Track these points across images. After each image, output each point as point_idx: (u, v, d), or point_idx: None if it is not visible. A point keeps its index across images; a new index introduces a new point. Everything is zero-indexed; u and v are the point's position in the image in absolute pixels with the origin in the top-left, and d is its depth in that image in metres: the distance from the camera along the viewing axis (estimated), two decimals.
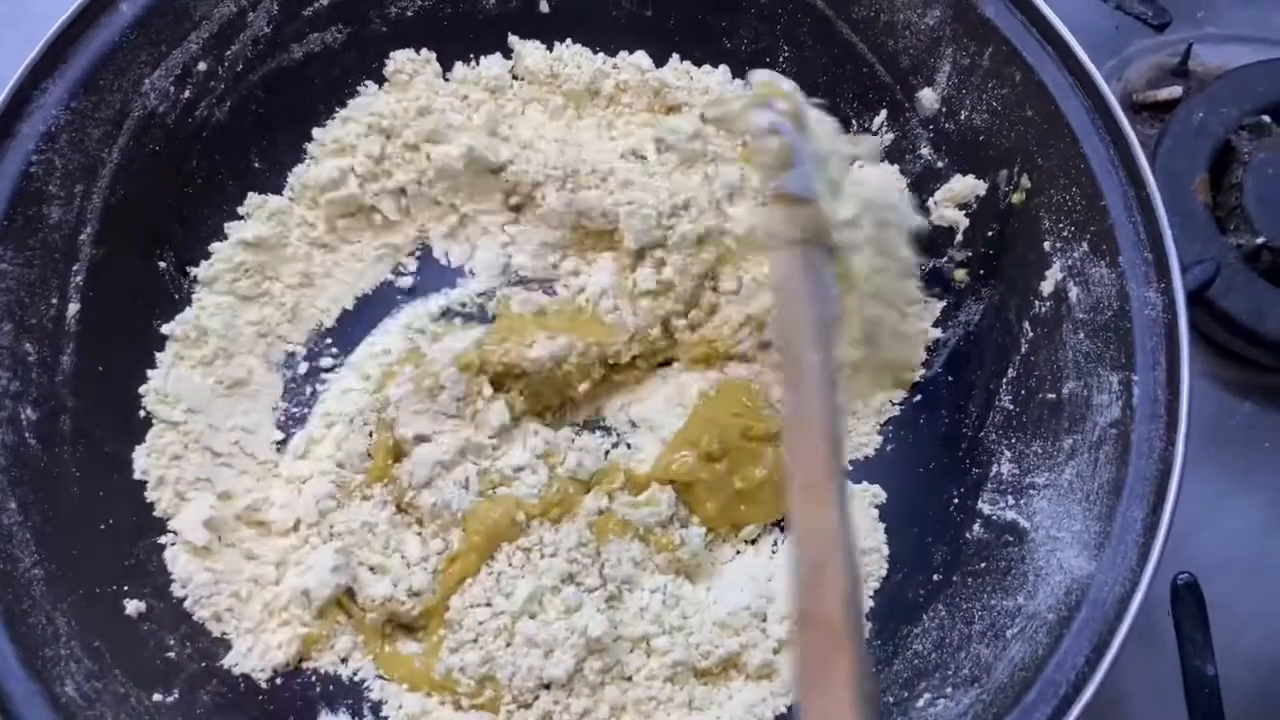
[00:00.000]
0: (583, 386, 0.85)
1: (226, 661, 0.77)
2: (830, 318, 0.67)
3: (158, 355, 0.84)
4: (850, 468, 0.85)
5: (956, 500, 0.81)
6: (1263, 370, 0.92)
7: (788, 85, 0.72)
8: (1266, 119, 0.94)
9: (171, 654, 0.76)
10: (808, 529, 0.59)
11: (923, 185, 0.88)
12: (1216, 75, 0.97)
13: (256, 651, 0.78)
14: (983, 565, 0.76)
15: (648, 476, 0.83)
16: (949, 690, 0.71)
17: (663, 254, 0.86)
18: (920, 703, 0.72)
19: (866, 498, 0.85)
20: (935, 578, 0.79)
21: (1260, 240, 0.90)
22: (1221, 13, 1.04)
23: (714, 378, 0.87)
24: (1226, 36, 1.02)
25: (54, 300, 0.79)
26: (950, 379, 0.86)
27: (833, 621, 0.55)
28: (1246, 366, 0.92)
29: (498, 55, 0.94)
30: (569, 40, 0.94)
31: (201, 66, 0.85)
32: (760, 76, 0.73)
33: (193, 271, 0.87)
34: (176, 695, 0.73)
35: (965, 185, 0.85)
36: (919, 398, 0.87)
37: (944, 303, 0.88)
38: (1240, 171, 0.92)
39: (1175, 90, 0.98)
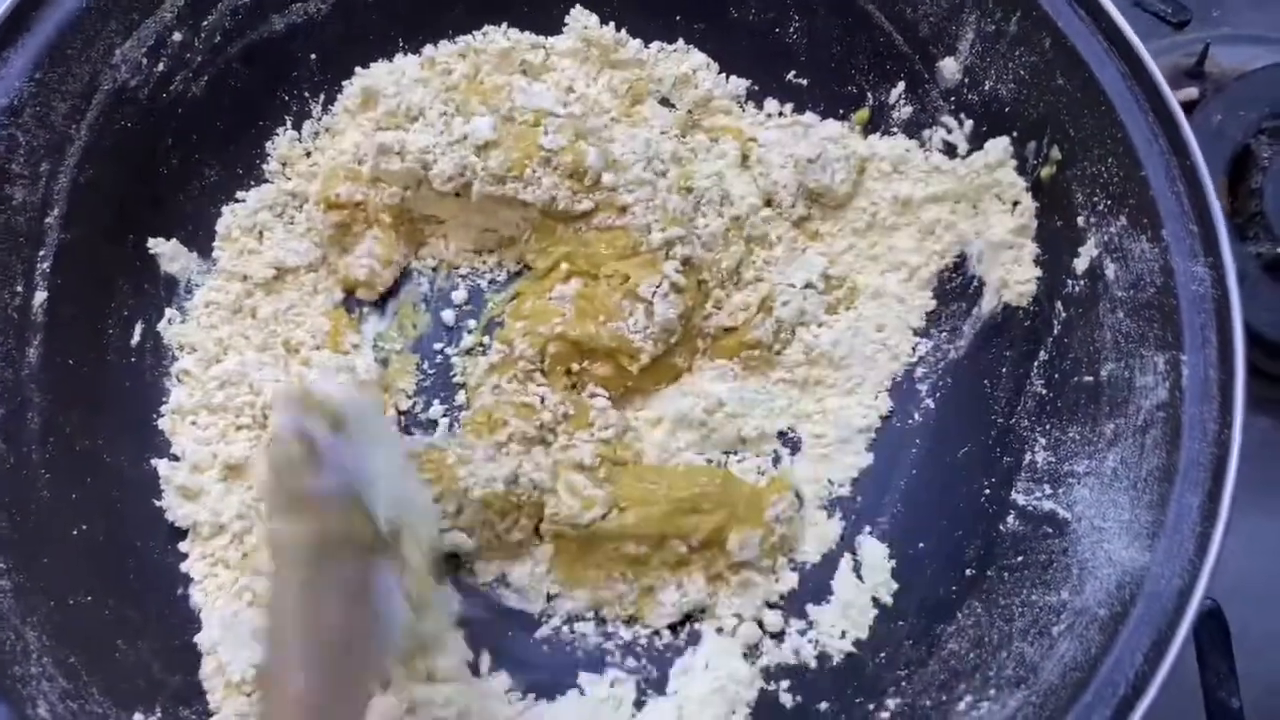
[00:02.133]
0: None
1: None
2: (338, 635, 0.58)
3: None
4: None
5: (988, 491, 0.77)
6: None
7: (316, 385, 0.62)
8: None
9: (153, 669, 0.70)
10: None
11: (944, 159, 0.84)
12: (1234, 77, 0.94)
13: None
14: (1020, 559, 0.72)
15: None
16: (992, 692, 0.67)
17: (687, 250, 0.81)
18: (961, 705, 0.68)
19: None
20: (968, 573, 0.75)
21: None
22: (1238, 13, 1.00)
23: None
24: (1243, 37, 0.98)
25: (19, 288, 0.74)
26: (976, 364, 0.82)
27: None
28: (1266, 380, 0.88)
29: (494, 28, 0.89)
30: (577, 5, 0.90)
31: (176, 37, 0.80)
32: (291, 387, 0.66)
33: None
34: (159, 714, 0.69)
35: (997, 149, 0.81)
36: (944, 383, 0.83)
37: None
38: (1260, 177, 0.88)
39: (1192, 92, 0.94)
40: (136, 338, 0.80)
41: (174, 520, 0.76)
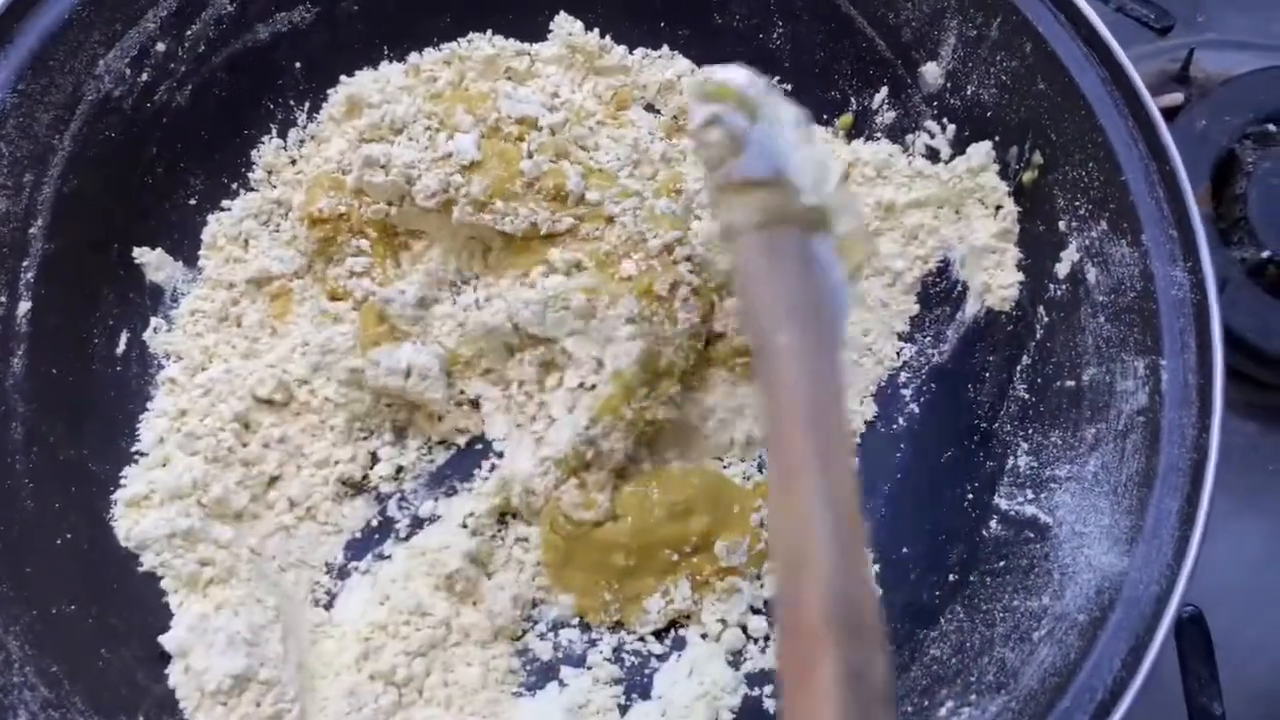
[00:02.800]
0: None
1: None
2: (805, 295, 0.61)
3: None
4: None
5: (971, 496, 0.77)
6: (1267, 389, 0.88)
7: (724, 74, 0.65)
8: (1271, 128, 0.90)
9: (137, 678, 0.70)
10: (782, 524, 0.54)
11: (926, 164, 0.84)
12: (1219, 82, 0.94)
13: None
14: (1002, 564, 0.72)
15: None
16: (973, 698, 0.67)
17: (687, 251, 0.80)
18: (942, 711, 0.68)
19: None
20: (951, 578, 0.75)
21: (1265, 254, 0.86)
22: (1223, 18, 1.00)
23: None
24: (1228, 43, 0.98)
25: (2, 298, 0.74)
26: (959, 369, 0.82)
27: (813, 626, 0.49)
28: (1250, 386, 0.88)
29: (479, 35, 0.89)
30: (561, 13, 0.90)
31: (160, 47, 0.80)
32: (695, 78, 0.67)
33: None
34: None
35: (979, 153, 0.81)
36: (927, 388, 0.83)
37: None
38: (1244, 182, 0.88)
39: (1177, 97, 0.94)
40: (122, 347, 0.80)
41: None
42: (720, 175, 0.63)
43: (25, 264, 0.75)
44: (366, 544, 0.80)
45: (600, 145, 0.84)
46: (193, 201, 0.84)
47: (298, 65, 0.87)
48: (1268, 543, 0.85)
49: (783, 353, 0.58)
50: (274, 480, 0.79)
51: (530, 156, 0.79)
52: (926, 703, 0.69)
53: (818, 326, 0.60)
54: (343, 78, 0.88)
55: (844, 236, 0.65)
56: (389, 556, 0.79)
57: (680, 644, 0.78)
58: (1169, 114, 0.77)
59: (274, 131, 0.87)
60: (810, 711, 0.47)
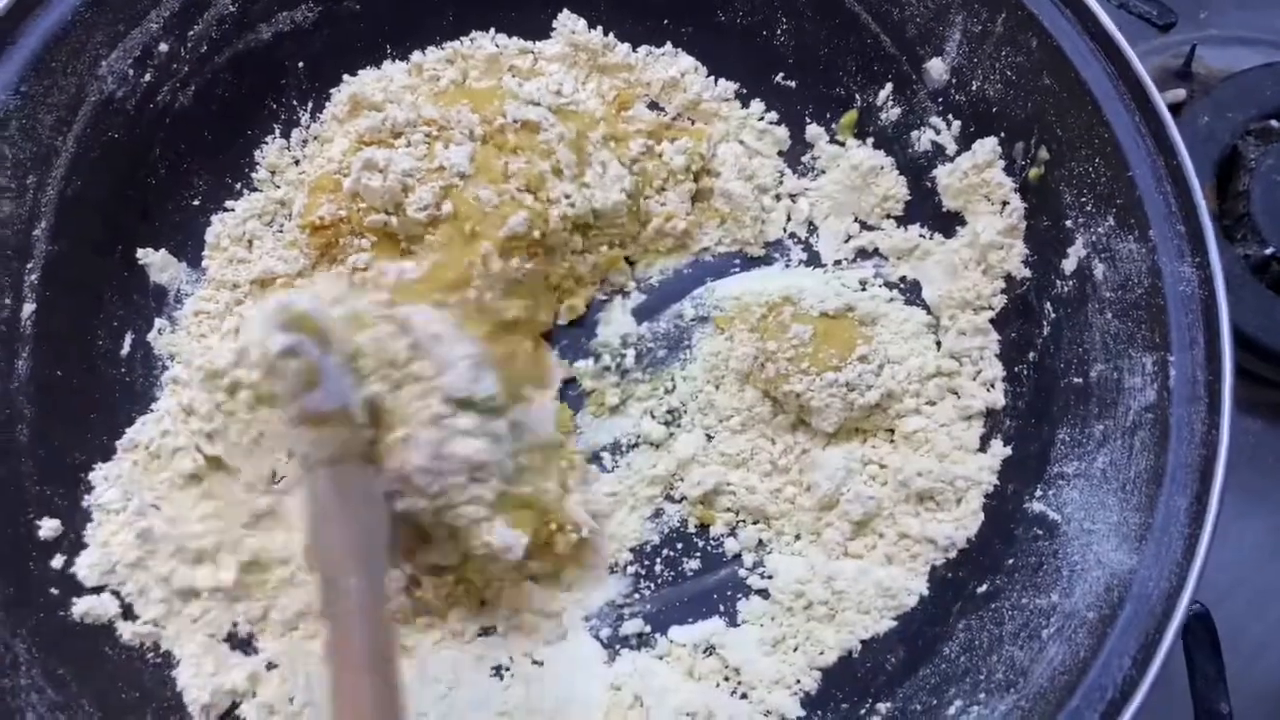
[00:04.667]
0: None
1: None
2: (373, 535, 0.64)
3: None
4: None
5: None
6: (1271, 386, 0.88)
7: (302, 303, 0.66)
8: (1274, 124, 0.89)
9: (144, 680, 0.70)
10: None
11: (932, 162, 0.84)
12: (1221, 78, 0.93)
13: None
14: (1010, 561, 0.72)
15: None
16: (982, 696, 0.67)
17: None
18: (951, 710, 0.68)
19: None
20: (960, 574, 0.75)
21: (1268, 251, 0.85)
22: (1225, 15, 1.00)
23: None
24: (1231, 39, 0.98)
25: (7, 301, 0.74)
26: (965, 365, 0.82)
27: None
28: (1254, 382, 0.87)
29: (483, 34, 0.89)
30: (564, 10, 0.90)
31: (163, 47, 0.80)
32: (269, 306, 0.66)
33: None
34: None
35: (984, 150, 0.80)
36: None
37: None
38: (1247, 179, 0.87)
39: (1179, 94, 0.94)
40: (126, 348, 0.80)
41: None
42: (295, 408, 0.64)
43: (29, 266, 0.75)
44: None
45: (584, 176, 0.83)
46: (196, 202, 0.84)
47: (300, 65, 0.87)
48: (1272, 540, 0.85)
49: (351, 595, 0.60)
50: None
51: (507, 179, 0.79)
52: (935, 701, 0.69)
53: (377, 567, 0.63)
54: (345, 77, 0.88)
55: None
56: None
57: None
58: (1172, 110, 0.77)
59: (277, 131, 0.87)
60: None
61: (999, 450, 0.77)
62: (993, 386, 0.79)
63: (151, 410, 0.79)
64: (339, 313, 0.68)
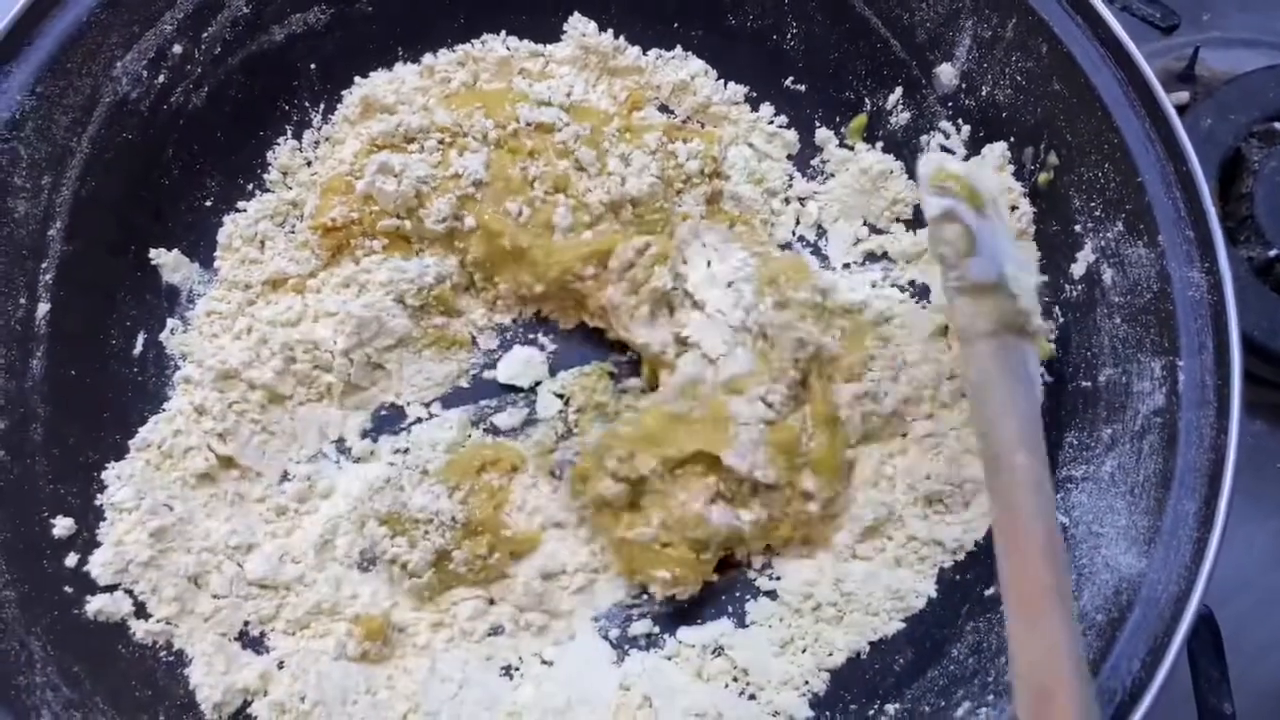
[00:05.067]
0: None
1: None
2: (1035, 412, 0.62)
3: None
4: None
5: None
6: (1275, 388, 0.88)
7: (957, 166, 0.65)
8: (1278, 126, 0.89)
9: (157, 677, 0.71)
10: (1030, 653, 0.55)
11: None
12: (1224, 81, 0.93)
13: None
14: None
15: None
16: (990, 698, 0.67)
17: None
18: (959, 712, 0.68)
19: None
20: (969, 577, 0.75)
21: (1272, 253, 0.86)
22: (1228, 17, 1.00)
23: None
24: (1233, 41, 0.98)
25: (22, 300, 0.75)
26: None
27: None
28: (1257, 385, 0.88)
29: (494, 36, 0.90)
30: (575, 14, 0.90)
31: (177, 49, 0.80)
32: (929, 163, 0.65)
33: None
34: None
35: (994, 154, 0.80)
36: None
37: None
38: (1250, 181, 0.88)
39: (1182, 96, 0.94)
40: (139, 348, 0.81)
41: None
42: (955, 277, 0.63)
43: (44, 266, 0.75)
44: None
45: (608, 167, 0.83)
46: (209, 203, 0.85)
47: (313, 66, 0.87)
48: (1275, 542, 0.85)
49: (1021, 476, 0.59)
50: None
51: (532, 185, 0.80)
52: (943, 703, 0.69)
53: (1044, 448, 0.61)
54: (357, 79, 0.88)
55: (1038, 335, 0.66)
56: None
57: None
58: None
59: (289, 133, 0.87)
60: None
61: None
62: None
63: (164, 410, 0.79)
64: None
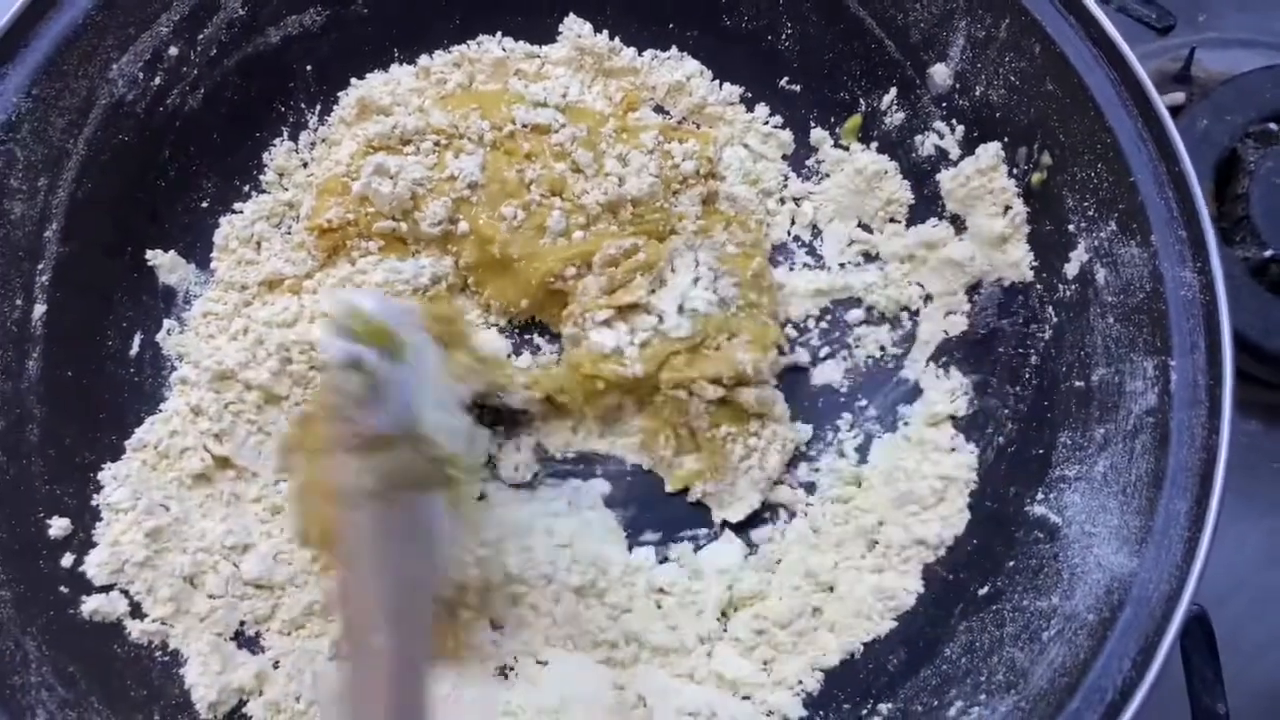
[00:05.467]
0: None
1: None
2: (419, 579, 0.58)
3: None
4: None
5: (980, 495, 0.77)
6: (1269, 388, 0.88)
7: (371, 306, 0.58)
8: (1273, 127, 0.89)
9: (152, 677, 0.71)
10: None
11: (936, 166, 0.84)
12: (1220, 81, 0.93)
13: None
14: (1012, 564, 0.72)
15: None
16: (982, 697, 0.67)
17: None
18: (952, 711, 0.68)
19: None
20: (961, 576, 0.75)
21: (1268, 253, 0.85)
22: (1224, 17, 0.99)
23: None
24: (1230, 41, 0.98)
25: (18, 301, 0.75)
26: (967, 369, 0.82)
27: None
28: (1252, 384, 0.88)
29: (489, 38, 0.90)
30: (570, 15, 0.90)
31: (173, 51, 0.80)
32: (340, 302, 0.59)
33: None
34: None
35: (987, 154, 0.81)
36: (933, 388, 0.83)
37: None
38: (1246, 181, 0.87)
39: (1178, 97, 0.94)
40: (135, 349, 0.81)
41: None
42: (345, 431, 0.56)
43: (40, 267, 0.76)
44: None
45: (604, 168, 0.84)
46: (205, 204, 0.85)
47: (308, 68, 0.87)
48: (1270, 541, 0.85)
49: (376, 658, 0.54)
50: None
51: (528, 189, 0.81)
52: (936, 702, 0.69)
53: (413, 626, 0.56)
54: (353, 80, 0.88)
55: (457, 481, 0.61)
56: None
57: None
58: (1170, 114, 0.77)
59: (285, 134, 0.88)
60: None
61: (966, 447, 0.79)
62: (955, 394, 0.81)
63: (160, 410, 0.80)
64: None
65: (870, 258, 0.87)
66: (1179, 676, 0.75)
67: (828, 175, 0.88)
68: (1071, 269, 0.75)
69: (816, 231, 0.88)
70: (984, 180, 0.80)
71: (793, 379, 0.84)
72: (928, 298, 0.85)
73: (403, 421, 0.57)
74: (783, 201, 0.89)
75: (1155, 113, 0.71)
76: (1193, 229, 0.69)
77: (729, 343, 0.79)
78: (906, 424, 0.83)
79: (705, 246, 0.82)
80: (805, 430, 0.83)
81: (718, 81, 0.90)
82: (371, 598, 0.55)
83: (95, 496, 0.75)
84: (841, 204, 0.87)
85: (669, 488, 0.82)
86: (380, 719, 0.53)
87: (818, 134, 0.89)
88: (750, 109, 0.90)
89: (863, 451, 0.83)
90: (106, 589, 0.73)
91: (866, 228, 0.87)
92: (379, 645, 0.54)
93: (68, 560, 0.72)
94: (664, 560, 0.81)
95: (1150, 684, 0.60)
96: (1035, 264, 0.79)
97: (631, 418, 0.83)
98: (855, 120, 0.88)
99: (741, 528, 0.81)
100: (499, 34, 0.90)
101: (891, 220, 0.87)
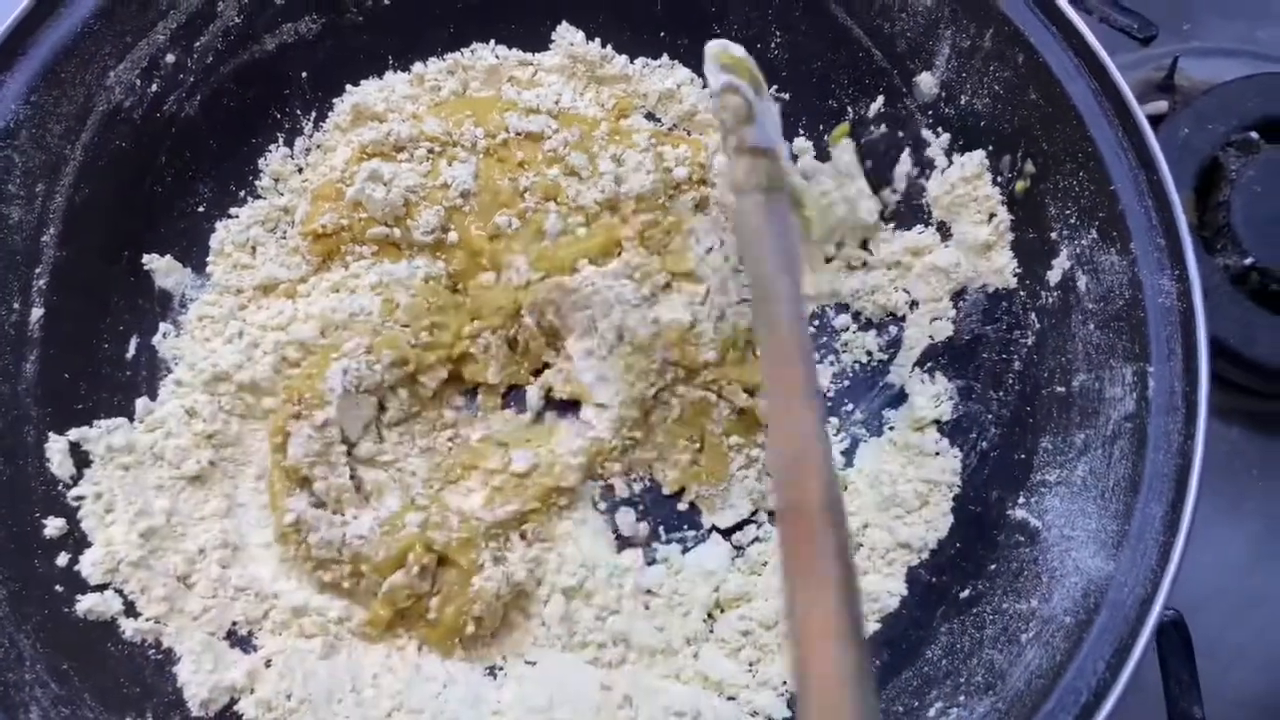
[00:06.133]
0: None
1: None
2: (794, 251, 0.72)
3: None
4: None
5: (962, 500, 0.79)
6: (1250, 395, 0.89)
7: (739, 51, 0.78)
8: (1254, 135, 0.90)
9: (145, 675, 0.72)
10: (785, 429, 0.63)
11: (922, 173, 0.85)
12: (1203, 90, 0.93)
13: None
14: (993, 567, 0.73)
15: None
16: (961, 699, 0.68)
17: None
18: (931, 712, 0.69)
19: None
20: (943, 579, 0.76)
21: (1248, 261, 0.86)
22: (1207, 26, 1.00)
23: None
24: (1213, 50, 0.99)
25: (15, 305, 0.76)
26: (952, 374, 0.83)
27: (814, 508, 0.57)
28: (1233, 391, 0.88)
29: (482, 45, 0.91)
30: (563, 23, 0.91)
31: (169, 58, 0.81)
32: (716, 43, 0.78)
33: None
34: (149, 719, 0.70)
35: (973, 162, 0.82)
36: (918, 393, 0.84)
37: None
38: (1227, 190, 0.88)
39: (1161, 105, 0.94)
40: (131, 351, 0.82)
41: None
42: (735, 139, 0.74)
43: (38, 271, 0.77)
44: None
45: (599, 168, 0.85)
46: (201, 209, 0.86)
47: (304, 75, 0.88)
48: (1249, 547, 0.86)
49: (782, 294, 0.68)
50: None
51: (523, 196, 0.82)
52: (917, 703, 0.70)
53: (800, 278, 0.71)
54: (348, 87, 0.89)
55: (794, 191, 0.81)
56: None
57: None
58: (1153, 122, 0.78)
59: (281, 140, 0.89)
60: (817, 597, 0.54)
61: (950, 451, 0.80)
62: (940, 399, 0.82)
63: (155, 412, 0.81)
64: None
65: (850, 267, 0.88)
66: (1156, 681, 0.76)
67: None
68: (1054, 276, 0.76)
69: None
70: (969, 188, 0.81)
71: None
72: (914, 304, 0.86)
73: (770, 140, 0.75)
74: None
75: (1135, 122, 0.72)
76: (1171, 237, 0.70)
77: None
78: (892, 428, 0.84)
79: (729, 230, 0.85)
80: None
81: (708, 89, 0.91)
82: (771, 254, 0.70)
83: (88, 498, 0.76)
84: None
85: (666, 489, 0.83)
86: (786, 328, 0.66)
87: (800, 143, 0.90)
88: None
89: (849, 456, 0.84)
90: (101, 588, 0.74)
91: (839, 245, 0.88)
92: (783, 285, 0.68)
93: (63, 560, 0.73)
94: (652, 562, 0.81)
95: (1124, 686, 0.61)
96: (1019, 271, 0.80)
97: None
98: (843, 128, 0.88)
99: (729, 530, 0.82)
100: (492, 42, 0.91)
101: (863, 246, 0.88)
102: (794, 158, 0.90)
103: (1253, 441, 0.89)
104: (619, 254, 0.81)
